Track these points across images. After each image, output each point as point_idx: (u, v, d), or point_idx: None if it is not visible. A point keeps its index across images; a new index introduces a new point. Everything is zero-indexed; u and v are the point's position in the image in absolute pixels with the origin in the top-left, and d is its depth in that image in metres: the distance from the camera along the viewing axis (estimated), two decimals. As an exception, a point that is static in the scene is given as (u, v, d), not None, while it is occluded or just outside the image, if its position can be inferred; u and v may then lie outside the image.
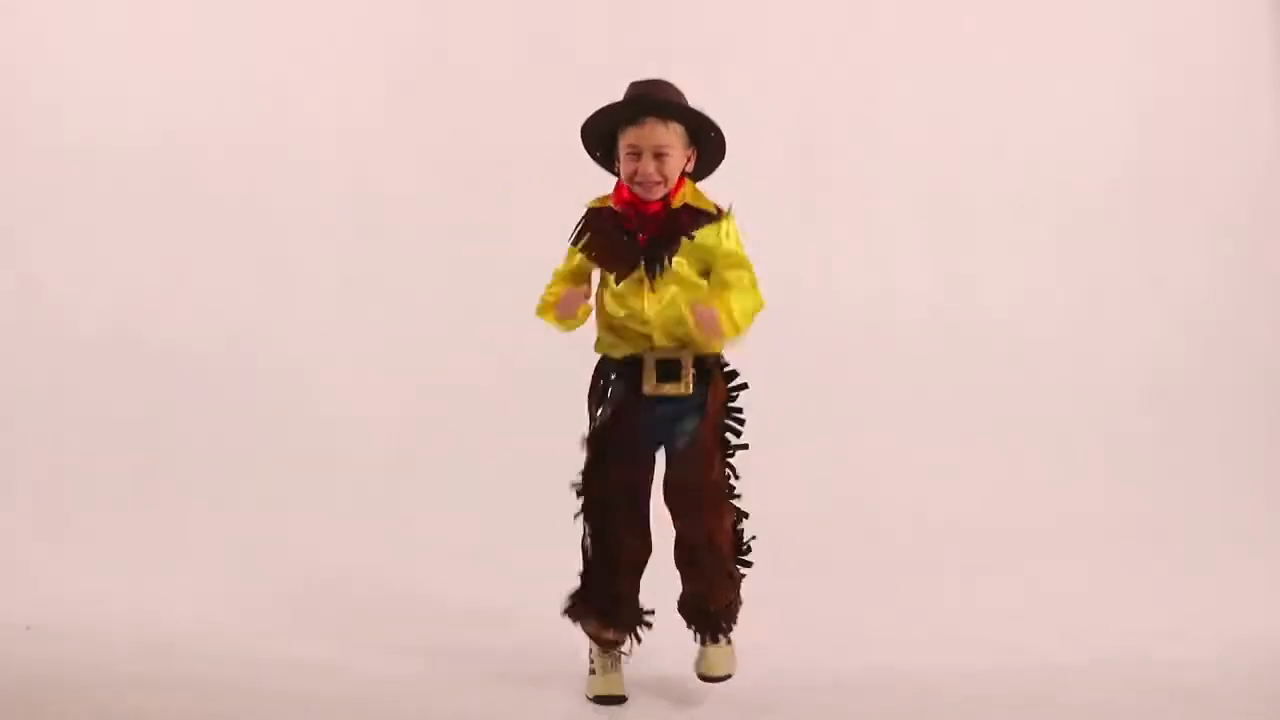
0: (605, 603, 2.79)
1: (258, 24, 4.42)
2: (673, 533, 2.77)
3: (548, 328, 2.77)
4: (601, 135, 2.73)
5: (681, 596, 2.84)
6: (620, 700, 2.79)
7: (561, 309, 2.71)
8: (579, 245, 2.74)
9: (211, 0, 4.42)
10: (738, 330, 2.65)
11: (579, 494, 2.78)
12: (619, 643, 2.82)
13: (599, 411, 2.77)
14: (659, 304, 2.67)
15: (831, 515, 3.94)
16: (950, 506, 4.07)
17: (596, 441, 2.76)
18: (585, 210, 2.77)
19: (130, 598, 3.41)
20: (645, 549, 2.80)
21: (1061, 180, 4.60)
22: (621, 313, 2.69)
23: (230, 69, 4.38)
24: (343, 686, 2.90)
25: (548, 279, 2.81)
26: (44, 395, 4.20)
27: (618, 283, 2.69)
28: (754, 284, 2.69)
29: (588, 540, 2.79)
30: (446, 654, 3.08)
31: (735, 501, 2.80)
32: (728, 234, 2.69)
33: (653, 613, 2.84)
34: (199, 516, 3.93)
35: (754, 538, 2.81)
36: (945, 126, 4.56)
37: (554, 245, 2.81)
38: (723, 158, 2.76)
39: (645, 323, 2.68)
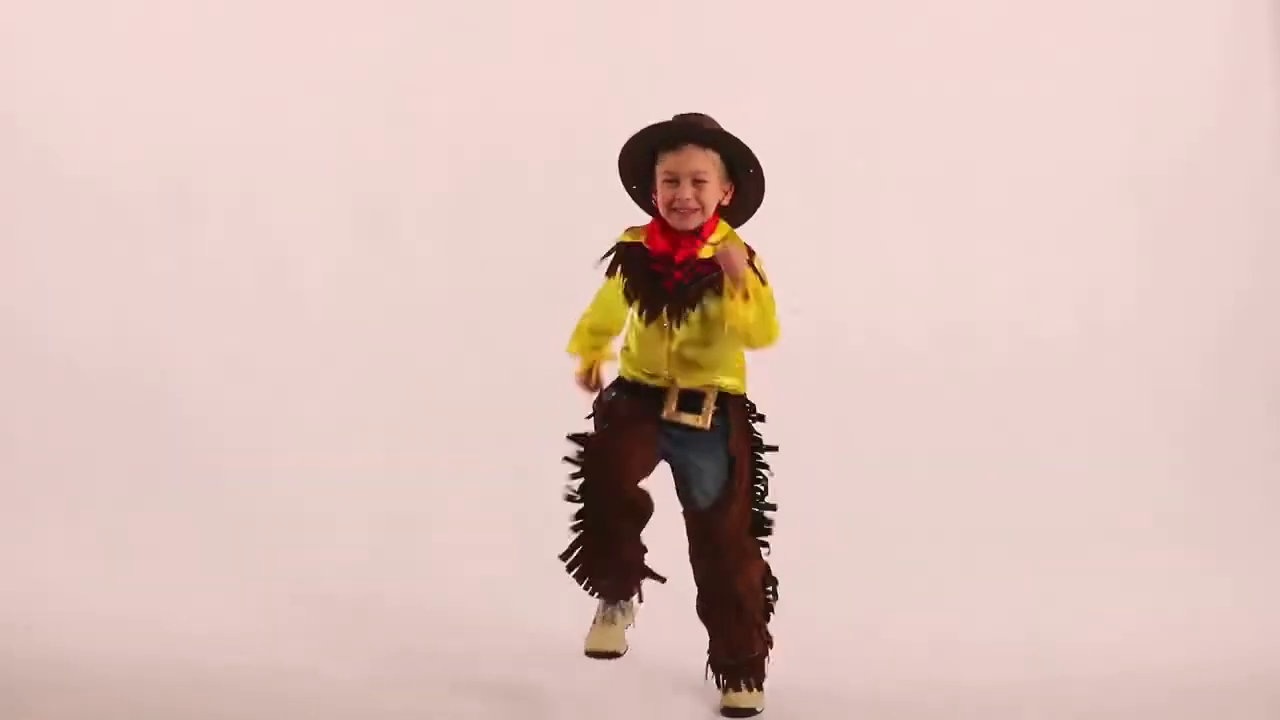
0: (603, 554, 2.71)
1: (253, 31, 4.43)
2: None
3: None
4: (637, 167, 2.70)
5: (709, 647, 2.82)
6: (613, 656, 2.75)
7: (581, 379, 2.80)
8: (623, 287, 2.69)
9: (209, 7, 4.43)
10: (761, 298, 2.56)
11: (579, 450, 2.69)
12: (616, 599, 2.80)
13: (607, 393, 2.77)
14: (675, 347, 2.65)
15: (832, 519, 3.93)
16: (952, 509, 4.06)
17: (604, 409, 2.75)
18: (616, 244, 2.74)
19: (130, 598, 3.40)
20: (646, 502, 2.73)
21: (1066, 180, 4.58)
22: (637, 350, 2.70)
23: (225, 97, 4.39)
24: (341, 688, 2.90)
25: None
26: (44, 395, 4.20)
27: (646, 324, 2.67)
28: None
29: (580, 493, 2.67)
30: (440, 657, 3.08)
31: (763, 551, 2.78)
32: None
33: (663, 579, 2.78)
34: (200, 517, 3.92)
35: (774, 592, 2.82)
36: (948, 133, 4.55)
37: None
38: (761, 200, 2.71)
39: (667, 364, 2.67)
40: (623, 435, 2.67)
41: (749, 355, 2.74)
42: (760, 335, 2.59)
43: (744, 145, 2.64)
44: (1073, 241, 4.58)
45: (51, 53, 4.34)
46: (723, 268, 2.53)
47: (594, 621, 2.80)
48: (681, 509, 2.76)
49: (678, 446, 2.70)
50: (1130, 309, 4.57)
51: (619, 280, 2.71)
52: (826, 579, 3.46)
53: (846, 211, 4.51)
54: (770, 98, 4.40)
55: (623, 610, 2.80)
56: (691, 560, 2.77)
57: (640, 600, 2.83)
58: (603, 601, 2.81)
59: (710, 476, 2.70)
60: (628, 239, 2.73)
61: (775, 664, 2.84)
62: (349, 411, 4.27)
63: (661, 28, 4.45)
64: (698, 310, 2.63)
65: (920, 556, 3.77)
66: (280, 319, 4.35)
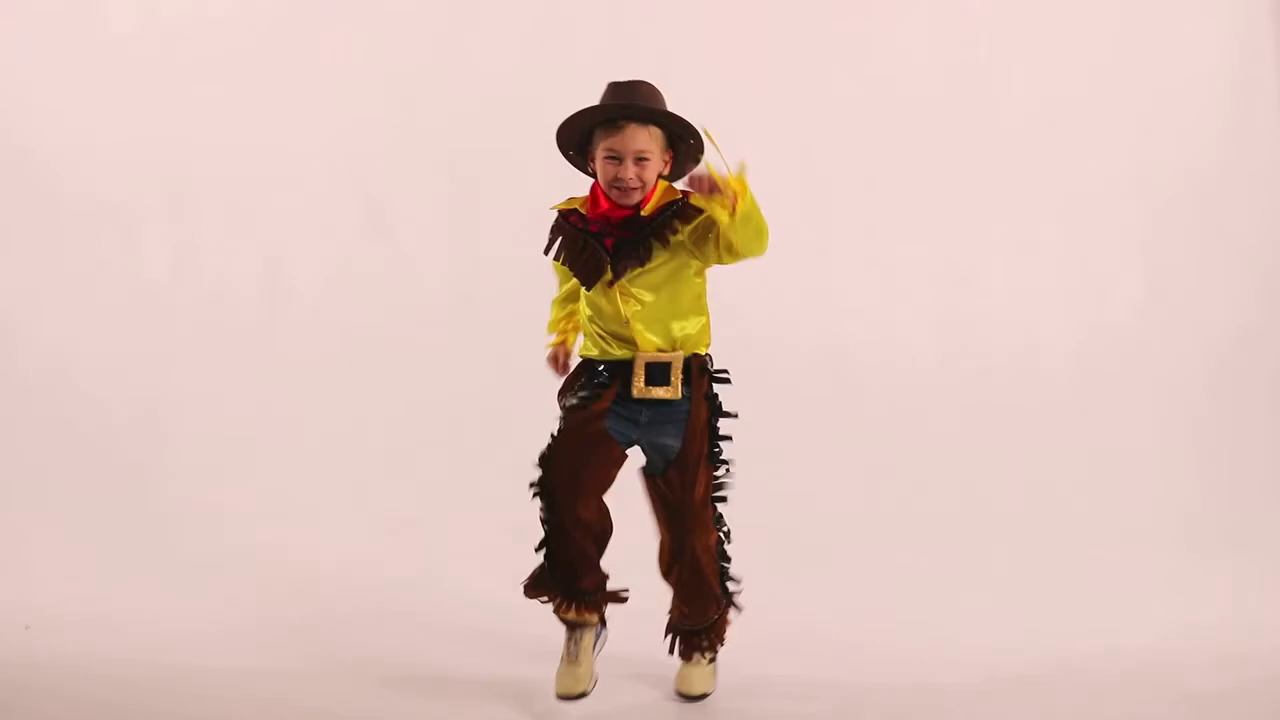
0: (566, 577, 2.74)
1: (253, 31, 4.44)
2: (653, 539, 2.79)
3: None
4: (576, 135, 2.71)
5: (670, 610, 2.85)
6: (581, 696, 2.74)
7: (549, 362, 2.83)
8: (554, 256, 2.74)
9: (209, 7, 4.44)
10: (744, 190, 2.45)
11: (539, 467, 2.71)
12: (582, 622, 2.77)
13: (572, 395, 2.74)
14: (636, 306, 2.65)
15: (830, 519, 3.94)
16: (950, 510, 4.06)
17: (564, 420, 2.73)
18: (555, 221, 2.76)
19: (129, 599, 3.41)
20: (605, 523, 2.76)
21: (1074, 185, 4.56)
22: (596, 316, 2.69)
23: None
24: (340, 688, 2.90)
25: (547, 280, 2.81)
26: (44, 397, 4.21)
27: (587, 289, 2.69)
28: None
29: (544, 515, 2.73)
30: (440, 657, 3.08)
31: (720, 521, 2.79)
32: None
33: (626, 591, 2.81)
34: (199, 518, 3.93)
35: (729, 561, 2.84)
36: (954, 140, 4.53)
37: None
38: (699, 160, 2.71)
39: (625, 324, 2.66)
40: (575, 454, 2.68)
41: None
42: (755, 240, 2.53)
43: (684, 120, 2.65)
44: (1080, 245, 4.56)
45: (52, 52, 4.34)
46: (697, 190, 2.46)
47: (561, 661, 2.78)
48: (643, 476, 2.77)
49: (645, 429, 2.69)
50: (1135, 314, 4.55)
51: (552, 243, 2.74)
52: (816, 581, 3.48)
53: (852, 220, 4.49)
54: (773, 104, 4.40)
55: (581, 643, 2.77)
56: (659, 525, 2.79)
57: (604, 625, 2.83)
58: (567, 635, 2.79)
59: (671, 442, 2.70)
60: (563, 207, 2.75)
61: (797, 667, 2.86)
62: (348, 412, 4.27)
63: (663, 30, 4.44)
64: (654, 259, 2.63)
65: (913, 559, 3.76)
66: (280, 319, 4.36)
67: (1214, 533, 4.00)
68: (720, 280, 2.79)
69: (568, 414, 2.73)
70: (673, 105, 2.70)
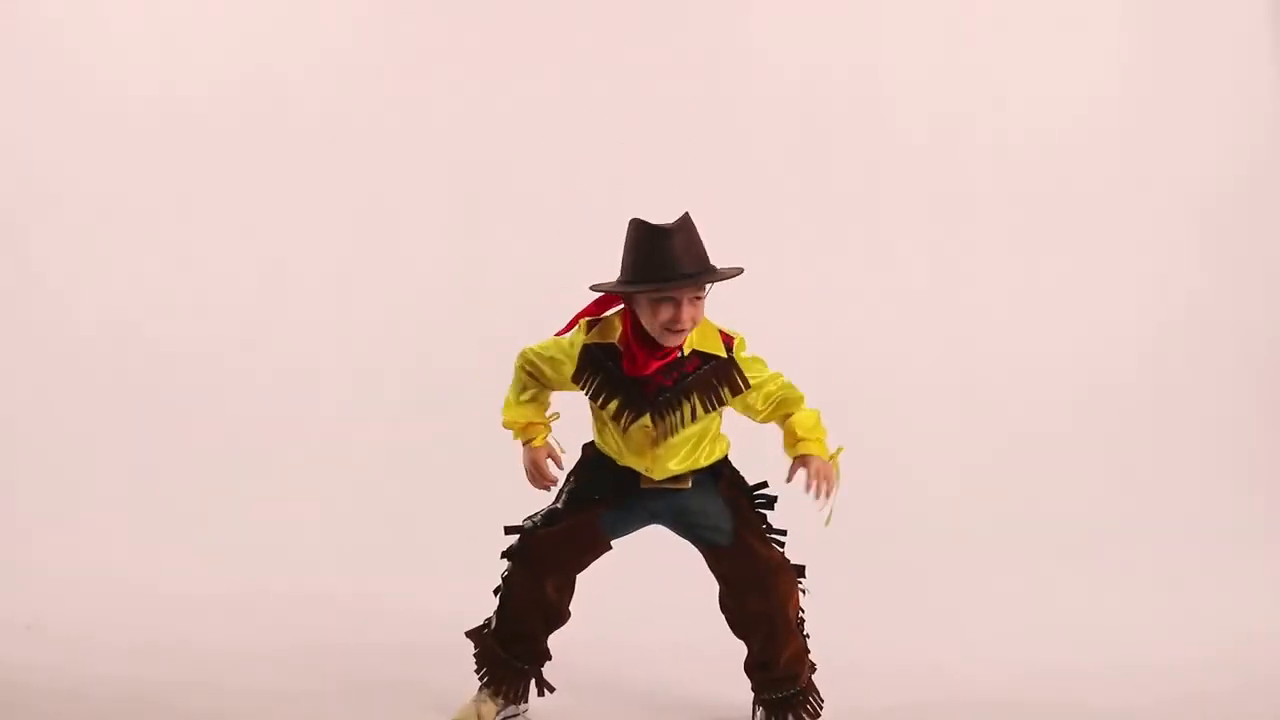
0: (506, 642, 2.69)
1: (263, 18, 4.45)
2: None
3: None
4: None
5: (756, 685, 2.67)
6: None
7: (531, 475, 2.56)
8: (588, 391, 2.52)
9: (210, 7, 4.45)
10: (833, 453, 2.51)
11: (522, 539, 2.65)
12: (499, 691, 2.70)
13: (571, 479, 2.64)
14: (665, 455, 2.51)
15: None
16: (948, 509, 4.06)
17: (565, 502, 2.63)
18: (581, 349, 2.52)
19: (129, 599, 3.41)
20: (562, 604, 2.69)
21: (1056, 178, 4.60)
22: (615, 432, 2.54)
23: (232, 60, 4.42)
24: (340, 687, 2.90)
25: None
26: (44, 396, 4.21)
27: (623, 431, 2.51)
28: (791, 387, 2.55)
29: (510, 587, 2.67)
30: (439, 656, 3.08)
31: (800, 575, 2.66)
32: (753, 370, 2.52)
33: (552, 689, 2.72)
34: (199, 518, 3.94)
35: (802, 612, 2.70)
36: (946, 127, 4.55)
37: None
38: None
39: (649, 469, 2.54)
40: (562, 537, 2.58)
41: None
42: (823, 431, 2.56)
43: (735, 271, 2.47)
44: (1065, 245, 4.59)
45: (53, 54, 4.35)
46: (820, 493, 2.45)
47: (471, 698, 2.70)
48: (702, 557, 2.63)
49: (664, 501, 2.57)
50: (1128, 313, 4.57)
51: (585, 379, 2.52)
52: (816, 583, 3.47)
53: (845, 203, 4.50)
54: (786, 108, 4.41)
55: (495, 698, 2.68)
56: (730, 601, 2.62)
57: (525, 704, 2.72)
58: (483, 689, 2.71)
59: (714, 514, 2.57)
60: (593, 340, 2.52)
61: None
62: (348, 412, 4.28)
63: (666, 37, 4.42)
64: (686, 414, 2.48)
65: (911, 559, 3.77)
66: (280, 319, 4.36)
67: (1215, 532, 4.01)
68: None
69: (569, 500, 2.63)
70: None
